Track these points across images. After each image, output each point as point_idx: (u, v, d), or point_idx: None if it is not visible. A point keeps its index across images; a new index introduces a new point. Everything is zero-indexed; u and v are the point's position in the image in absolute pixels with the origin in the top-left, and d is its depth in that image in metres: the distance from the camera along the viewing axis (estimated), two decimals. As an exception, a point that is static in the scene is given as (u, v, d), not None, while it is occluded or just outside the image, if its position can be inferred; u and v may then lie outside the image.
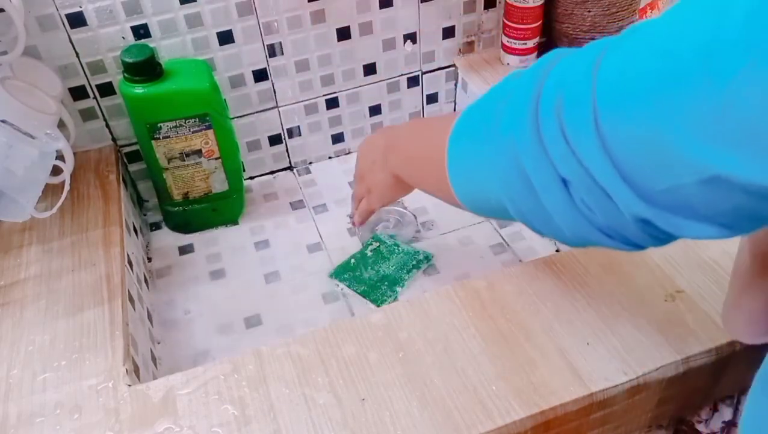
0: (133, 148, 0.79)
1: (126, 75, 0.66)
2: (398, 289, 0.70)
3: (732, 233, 0.29)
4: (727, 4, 0.25)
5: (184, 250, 0.78)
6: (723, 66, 0.24)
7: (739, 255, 0.40)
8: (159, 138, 0.70)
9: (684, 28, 0.27)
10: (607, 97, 0.29)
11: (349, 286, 0.71)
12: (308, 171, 0.89)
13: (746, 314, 0.40)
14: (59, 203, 0.64)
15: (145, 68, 0.65)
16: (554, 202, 0.33)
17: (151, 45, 0.67)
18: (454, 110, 0.93)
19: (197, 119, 0.69)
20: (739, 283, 0.40)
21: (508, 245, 0.76)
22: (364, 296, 0.69)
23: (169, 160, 0.72)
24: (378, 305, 0.68)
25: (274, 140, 0.86)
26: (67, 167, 0.64)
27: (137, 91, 0.66)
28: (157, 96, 0.66)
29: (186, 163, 0.73)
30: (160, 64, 0.67)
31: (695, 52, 0.26)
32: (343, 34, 0.79)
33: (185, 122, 0.69)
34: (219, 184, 0.77)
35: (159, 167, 0.73)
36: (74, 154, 0.66)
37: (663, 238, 0.31)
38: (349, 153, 0.91)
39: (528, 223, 0.38)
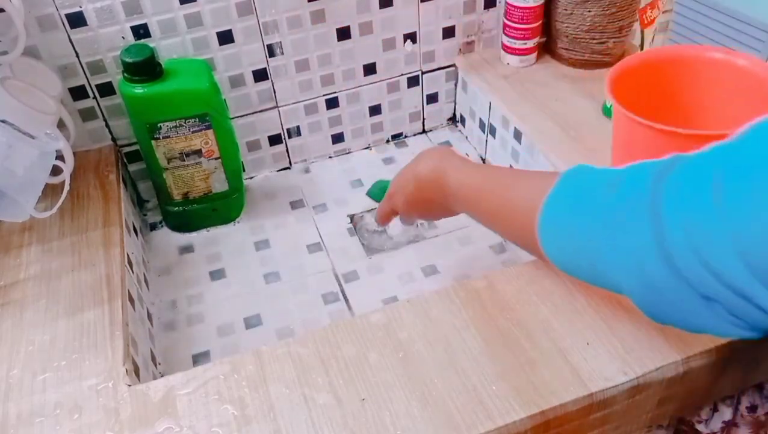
0: (133, 148, 0.79)
1: (126, 75, 0.66)
2: None
3: None
4: None
5: (184, 250, 0.78)
6: None
7: None
8: (159, 138, 0.70)
9: None
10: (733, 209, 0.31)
11: None
12: (308, 171, 0.89)
13: None
14: (59, 203, 0.64)
15: (145, 68, 0.65)
16: (699, 317, 0.35)
17: (151, 45, 0.67)
18: (454, 109, 0.94)
19: (197, 119, 0.69)
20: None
21: (508, 245, 0.76)
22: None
23: (169, 160, 0.72)
24: None
25: (274, 140, 0.86)
26: (67, 167, 0.64)
27: (137, 91, 0.66)
28: (157, 96, 0.66)
29: (186, 163, 0.73)
30: (159, 64, 0.67)
31: None
32: (343, 34, 0.79)
33: (185, 122, 0.69)
34: (219, 184, 0.77)
35: (159, 167, 0.72)
36: (74, 154, 0.66)
37: None
38: (349, 153, 0.91)
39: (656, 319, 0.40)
